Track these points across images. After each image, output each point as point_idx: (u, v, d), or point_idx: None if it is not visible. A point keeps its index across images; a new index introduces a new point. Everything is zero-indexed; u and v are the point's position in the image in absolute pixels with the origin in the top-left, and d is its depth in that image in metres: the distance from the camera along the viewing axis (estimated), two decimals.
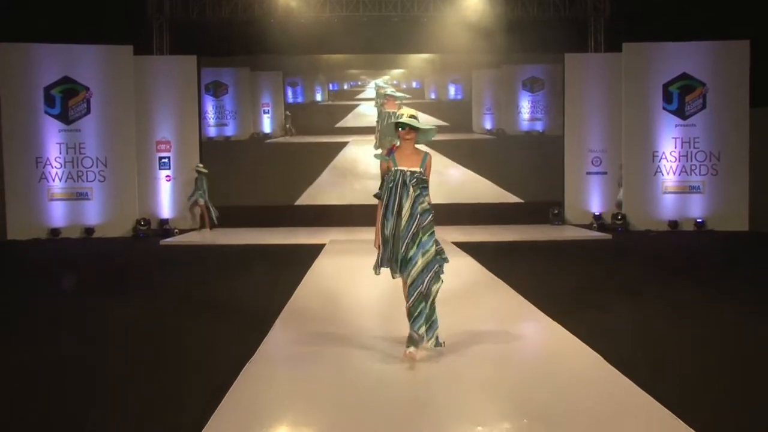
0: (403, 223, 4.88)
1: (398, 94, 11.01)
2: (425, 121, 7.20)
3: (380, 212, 5.02)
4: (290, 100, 16.38)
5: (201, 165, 14.90)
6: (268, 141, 16.27)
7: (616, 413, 3.92)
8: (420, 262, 4.82)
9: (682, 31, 15.02)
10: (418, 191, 4.89)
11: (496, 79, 16.42)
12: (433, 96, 16.47)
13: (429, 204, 4.95)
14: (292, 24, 15.58)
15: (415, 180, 4.90)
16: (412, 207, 4.88)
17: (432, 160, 5.10)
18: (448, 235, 11.97)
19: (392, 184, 4.94)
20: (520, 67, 16.23)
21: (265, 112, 16.27)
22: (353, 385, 4.49)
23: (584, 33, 16.23)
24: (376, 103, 13.04)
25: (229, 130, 16.19)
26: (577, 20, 16.17)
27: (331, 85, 16.53)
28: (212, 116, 16.09)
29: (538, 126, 16.31)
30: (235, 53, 16.01)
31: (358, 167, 16.00)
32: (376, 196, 5.10)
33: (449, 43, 15.59)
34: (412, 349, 4.79)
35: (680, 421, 3.65)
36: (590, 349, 5.11)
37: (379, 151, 10.79)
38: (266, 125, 16.28)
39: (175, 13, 15.70)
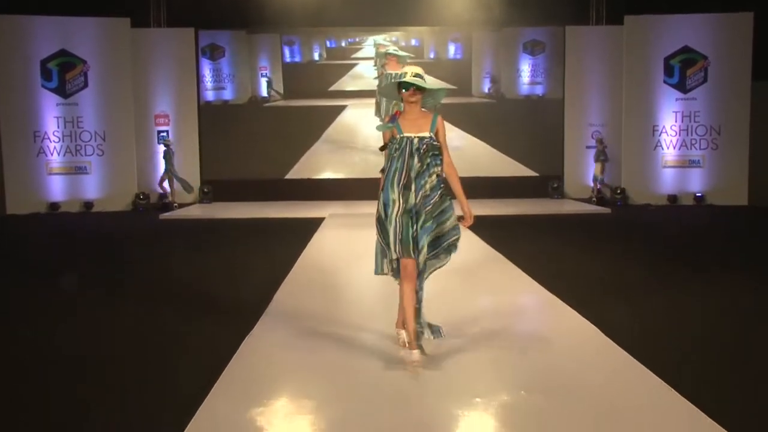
0: (412, 200, 4.27)
1: (402, 53, 9.43)
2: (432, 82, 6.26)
3: (381, 182, 4.39)
4: (287, 59, 16.08)
5: (169, 140, 14.83)
6: (266, 105, 16.07)
7: (611, 383, 3.94)
8: (430, 243, 4.30)
9: (684, 3, 14.82)
10: (428, 160, 4.28)
11: (496, 42, 16.11)
12: (432, 55, 16.19)
13: (441, 175, 4.35)
14: None
15: (425, 146, 4.28)
16: (422, 180, 4.27)
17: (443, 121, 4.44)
18: None
19: (397, 154, 4.32)
20: (520, 29, 15.89)
21: (263, 75, 16.03)
22: (352, 359, 4.46)
23: (585, 5, 15.99)
24: (376, 63, 12.58)
25: (228, 94, 15.98)
26: None
27: (328, 42, 16.20)
28: (210, 80, 15.85)
29: (538, 90, 16.11)
30: (233, 26, 15.79)
31: (357, 134, 15.76)
32: (382, 171, 4.46)
33: (449, 14, 15.36)
34: (417, 353, 4.38)
35: (675, 391, 3.68)
36: (588, 322, 5.11)
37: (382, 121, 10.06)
38: (264, 89, 16.04)
39: None
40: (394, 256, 4.38)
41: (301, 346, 4.76)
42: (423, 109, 4.44)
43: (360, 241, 10.30)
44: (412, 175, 4.28)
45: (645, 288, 6.58)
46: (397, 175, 4.31)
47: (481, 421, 3.47)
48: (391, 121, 4.45)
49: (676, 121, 15.22)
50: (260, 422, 3.45)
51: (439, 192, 4.31)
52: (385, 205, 4.34)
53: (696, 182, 15.20)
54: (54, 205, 14.39)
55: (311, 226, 11.11)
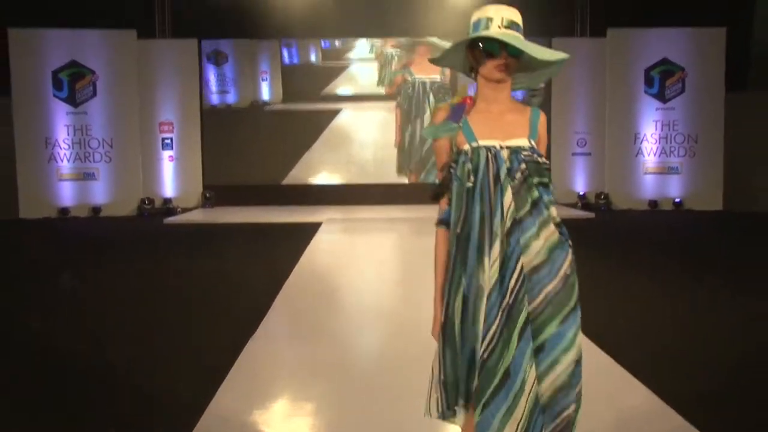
0: (508, 280, 2.19)
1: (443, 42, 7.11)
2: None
3: (443, 253, 2.35)
4: (286, 61, 16.49)
5: None
6: (267, 108, 16.47)
7: (592, 385, 4.24)
8: (562, 363, 2.20)
9: (662, 17, 15.28)
10: (535, 192, 2.25)
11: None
12: None
13: (559, 221, 2.30)
14: (291, 8, 15.72)
15: (524, 167, 2.26)
16: (526, 232, 2.23)
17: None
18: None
19: (472, 185, 2.25)
20: None
21: (263, 80, 16.47)
22: (354, 363, 4.58)
23: (571, 18, 16.44)
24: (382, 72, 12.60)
25: (231, 98, 16.38)
26: (564, 5, 16.38)
27: (324, 43, 16.54)
28: (214, 84, 16.27)
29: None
30: (235, 35, 16.16)
31: (353, 136, 16.15)
32: (440, 222, 2.40)
33: (439, 26, 15.78)
34: None
35: (655, 395, 3.91)
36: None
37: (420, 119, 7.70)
38: (265, 92, 16.48)
39: None
40: (459, 402, 2.31)
41: (302, 348, 4.90)
42: (513, 97, 2.39)
43: (356, 245, 10.77)
44: (506, 224, 2.21)
45: (626, 290, 6.94)
46: (477, 230, 2.23)
47: None
48: (452, 117, 2.32)
49: (656, 130, 15.66)
50: (265, 423, 3.64)
51: (566, 259, 2.27)
52: (456, 297, 2.26)
53: (675, 188, 15.64)
54: (64, 210, 14.77)
55: (309, 230, 11.47)
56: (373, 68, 16.23)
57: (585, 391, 2.28)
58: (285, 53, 16.45)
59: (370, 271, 8.51)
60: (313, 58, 16.53)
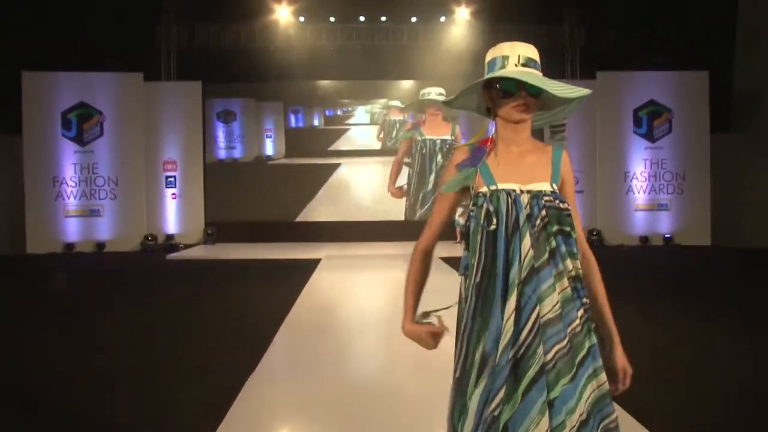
0: (529, 318, 2.06)
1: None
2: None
3: (468, 300, 2.17)
4: (292, 125, 17.35)
5: None
6: (270, 162, 17.09)
7: None
8: (567, 426, 2.02)
9: (649, 61, 15.85)
10: (554, 240, 2.10)
11: (458, 112, 17.12)
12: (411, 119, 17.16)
13: (580, 274, 2.18)
14: (291, 52, 16.32)
15: (543, 213, 2.12)
16: (543, 283, 2.08)
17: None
18: (436, 251, 12.60)
19: (493, 230, 2.11)
20: None
21: (267, 137, 17.18)
22: (354, 400, 4.57)
23: (561, 61, 17.01)
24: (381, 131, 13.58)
25: (237, 153, 17.09)
26: (555, 49, 16.96)
27: (327, 111, 17.43)
28: (222, 140, 16.98)
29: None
30: (237, 79, 16.72)
31: (350, 186, 16.88)
32: (466, 274, 2.20)
33: (436, 71, 16.32)
34: None
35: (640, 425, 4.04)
36: None
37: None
38: (269, 148, 17.19)
39: (181, 41, 16.42)
40: None
41: (302, 386, 4.95)
42: (531, 136, 2.26)
43: (355, 282, 11.05)
44: (523, 273, 2.08)
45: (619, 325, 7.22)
46: (494, 275, 2.10)
47: None
48: (470, 160, 2.21)
49: (645, 168, 16.12)
50: None
51: (576, 317, 2.12)
52: (476, 351, 2.11)
53: (665, 224, 16.03)
54: (69, 246, 15.11)
55: (309, 267, 11.74)
56: (370, 130, 17.20)
57: None
58: (292, 118, 17.37)
59: (369, 307, 8.77)
60: (316, 122, 17.42)
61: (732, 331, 6.94)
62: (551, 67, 16.46)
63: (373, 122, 17.33)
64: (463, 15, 16.36)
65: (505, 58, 2.17)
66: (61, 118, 15.22)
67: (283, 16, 16.29)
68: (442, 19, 16.67)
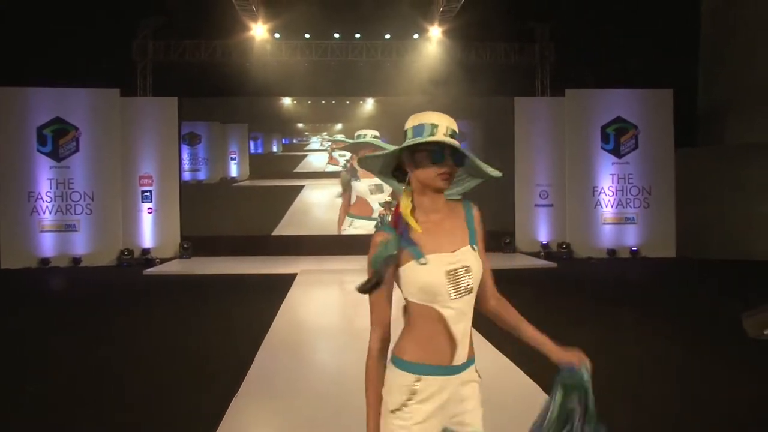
0: None
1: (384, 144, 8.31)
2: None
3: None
4: (252, 150, 17.34)
5: None
6: (235, 184, 17.11)
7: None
8: None
9: (616, 79, 16.19)
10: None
11: None
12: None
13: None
14: (267, 67, 16.35)
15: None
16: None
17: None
18: None
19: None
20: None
21: (232, 159, 17.14)
22: (337, 417, 4.62)
23: (532, 78, 17.28)
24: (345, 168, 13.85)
25: (202, 175, 16.96)
26: (526, 66, 17.23)
27: (284, 140, 17.52)
28: (187, 162, 16.81)
29: None
30: (213, 94, 16.68)
31: (315, 207, 17.02)
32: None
33: (409, 87, 16.51)
34: None
35: None
36: (524, 374, 5.67)
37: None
38: (233, 170, 17.14)
39: (157, 56, 16.36)
40: None
41: (286, 405, 5.00)
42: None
43: (330, 297, 11.08)
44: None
45: (580, 338, 7.36)
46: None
47: None
48: (393, 242, 2.08)
49: (612, 183, 16.40)
50: None
51: None
52: None
53: (631, 237, 16.32)
54: (44, 261, 14.89)
55: (285, 282, 11.73)
56: (323, 156, 17.33)
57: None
58: (251, 144, 17.32)
59: (347, 323, 8.81)
60: (275, 148, 17.45)
61: (690, 342, 7.12)
62: (521, 85, 16.90)
63: (324, 149, 17.49)
64: (435, 33, 16.54)
65: (435, 126, 2.09)
66: (36, 134, 15.03)
67: (258, 33, 16.31)
68: (416, 36, 16.83)
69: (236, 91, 16.52)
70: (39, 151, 15.07)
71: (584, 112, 16.42)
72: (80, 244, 15.27)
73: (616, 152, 16.38)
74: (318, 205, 16.92)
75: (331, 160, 17.13)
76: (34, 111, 15.04)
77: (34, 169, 15.08)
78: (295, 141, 17.54)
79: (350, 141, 13.84)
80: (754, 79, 15.87)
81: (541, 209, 16.62)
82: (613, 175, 16.39)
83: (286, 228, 16.64)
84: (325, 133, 17.41)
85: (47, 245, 15.09)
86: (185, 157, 16.79)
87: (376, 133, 9.58)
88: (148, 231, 15.95)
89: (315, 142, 17.40)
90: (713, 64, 17.20)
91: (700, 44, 17.54)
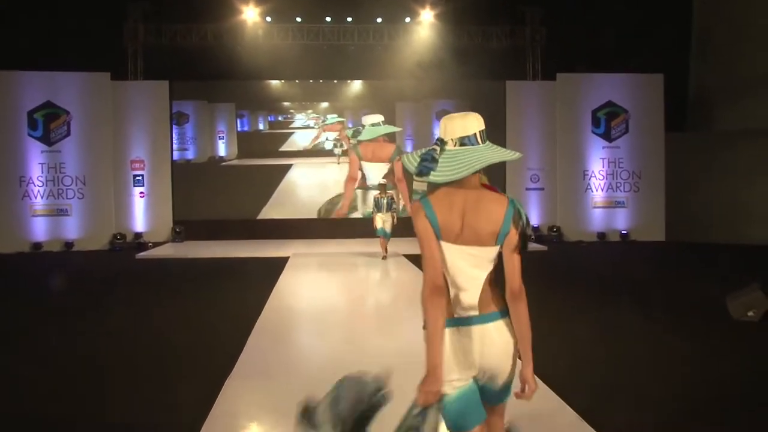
0: None
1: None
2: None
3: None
4: (239, 129, 17.30)
5: None
6: (224, 163, 17.06)
7: (529, 417, 4.25)
8: None
9: (607, 64, 16.21)
10: None
11: (415, 111, 17.40)
12: (350, 124, 17.31)
13: None
14: (258, 51, 16.27)
15: None
16: None
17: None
18: (399, 247, 12.83)
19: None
20: (434, 101, 17.22)
21: (220, 138, 17.08)
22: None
23: (523, 62, 17.28)
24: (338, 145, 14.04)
25: (190, 154, 16.90)
26: (517, 50, 17.22)
27: (270, 117, 17.48)
28: (175, 142, 16.75)
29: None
30: (204, 77, 16.59)
31: (305, 186, 17.06)
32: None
33: (400, 70, 16.50)
34: None
35: (585, 422, 4.16)
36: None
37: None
38: (221, 149, 17.07)
39: (148, 40, 16.25)
40: None
41: (279, 385, 5.02)
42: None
43: (323, 280, 11.14)
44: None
45: (569, 323, 7.42)
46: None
47: None
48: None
49: (603, 167, 16.48)
50: None
51: None
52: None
53: (621, 221, 16.43)
54: (37, 245, 14.88)
55: (277, 265, 11.75)
56: (309, 134, 17.35)
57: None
58: (237, 122, 17.25)
59: (339, 305, 8.85)
60: (261, 126, 17.43)
61: (676, 324, 7.21)
62: (513, 69, 16.91)
63: (310, 126, 17.47)
64: (427, 17, 16.49)
65: (443, 142, 2.47)
66: (27, 118, 14.94)
67: (250, 16, 16.22)
68: (407, 20, 16.77)
69: (227, 75, 16.44)
70: (30, 135, 15.00)
71: (575, 96, 16.47)
72: (72, 229, 15.25)
73: (607, 136, 16.45)
74: (306, 186, 16.95)
75: (316, 138, 17.22)
76: (25, 95, 14.95)
77: (26, 153, 15.02)
78: (280, 118, 17.49)
79: (352, 128, 14.02)
80: (745, 65, 15.93)
81: (531, 193, 16.70)
82: (603, 159, 16.47)
83: (274, 208, 16.64)
84: (311, 111, 17.32)
85: (39, 230, 15.06)
86: (173, 136, 16.71)
87: (382, 118, 9.89)
88: (140, 215, 15.94)
89: (300, 119, 17.37)
90: (704, 50, 17.24)
91: (692, 29, 17.56)
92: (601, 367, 5.64)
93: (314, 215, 16.36)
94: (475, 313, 2.48)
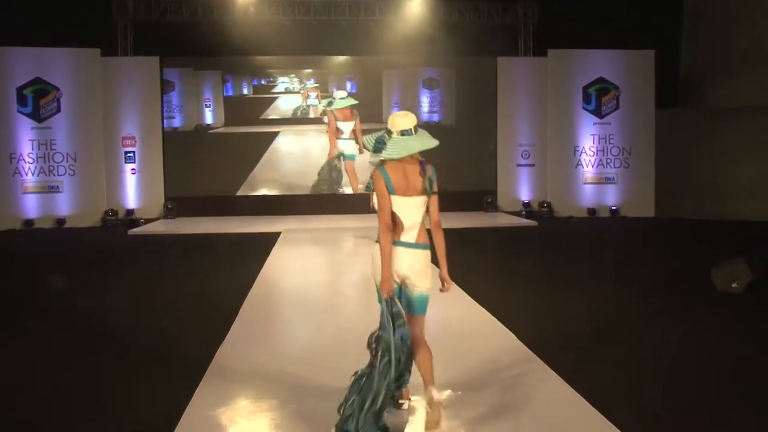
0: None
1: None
2: None
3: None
4: (223, 94, 17.08)
5: None
6: (211, 131, 16.93)
7: (521, 386, 4.43)
8: None
9: (598, 40, 16.18)
10: None
11: (401, 79, 17.31)
12: (335, 89, 16.88)
13: None
14: (249, 26, 16.16)
15: None
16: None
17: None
18: None
19: None
20: (420, 69, 17.14)
21: (206, 106, 16.91)
22: (317, 362, 4.83)
23: (515, 38, 17.23)
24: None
25: (177, 122, 16.69)
26: (509, 26, 17.16)
27: (253, 81, 17.28)
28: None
29: (435, 117, 17.16)
30: (195, 53, 16.47)
31: (291, 154, 17.04)
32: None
33: (391, 46, 16.44)
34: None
35: (573, 390, 4.28)
36: (505, 327, 5.83)
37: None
38: (208, 117, 16.91)
39: (138, 15, 16.09)
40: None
41: (269, 355, 5.14)
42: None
43: (313, 255, 11.21)
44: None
45: (559, 294, 7.52)
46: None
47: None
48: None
49: (593, 143, 16.53)
50: (240, 422, 3.94)
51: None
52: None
53: (611, 197, 16.53)
54: (28, 222, 14.85)
55: (269, 241, 11.81)
56: (295, 98, 17.21)
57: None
58: (223, 88, 17.06)
59: (328, 280, 8.94)
60: (245, 91, 17.24)
61: (664, 295, 7.35)
62: (504, 45, 16.86)
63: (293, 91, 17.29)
64: None
65: (390, 132, 3.74)
66: (16, 94, 14.81)
67: None
68: None
69: (218, 50, 16.30)
70: (20, 111, 14.88)
71: (566, 72, 16.46)
72: (64, 205, 15.21)
73: (598, 113, 16.48)
74: (293, 155, 16.99)
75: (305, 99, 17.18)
76: (14, 71, 14.81)
77: (16, 130, 14.92)
78: (263, 82, 17.36)
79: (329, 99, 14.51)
80: (736, 42, 15.93)
81: (522, 169, 16.75)
82: (594, 135, 16.52)
83: (263, 174, 16.64)
84: (293, 75, 17.25)
85: (31, 207, 15.02)
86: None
87: (346, 93, 13.66)
88: (132, 191, 15.90)
89: (283, 83, 17.27)
90: (695, 26, 17.23)
91: (683, 5, 17.52)
92: (588, 338, 5.75)
93: (302, 182, 16.35)
94: (413, 241, 3.71)
